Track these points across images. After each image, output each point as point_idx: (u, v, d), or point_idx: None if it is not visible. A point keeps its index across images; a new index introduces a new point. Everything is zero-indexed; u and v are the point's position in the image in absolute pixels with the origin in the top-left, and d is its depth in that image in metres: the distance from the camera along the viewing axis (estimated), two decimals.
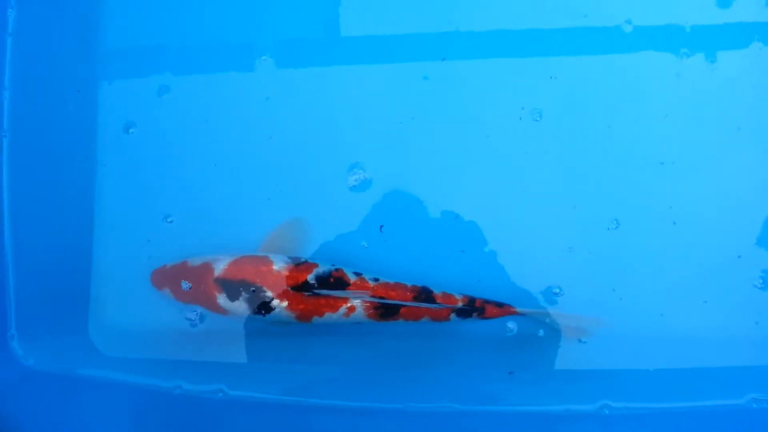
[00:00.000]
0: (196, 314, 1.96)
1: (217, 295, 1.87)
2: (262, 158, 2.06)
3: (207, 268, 1.90)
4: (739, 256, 1.94)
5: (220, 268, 1.88)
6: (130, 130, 2.10)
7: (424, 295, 1.90)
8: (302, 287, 1.85)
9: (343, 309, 1.86)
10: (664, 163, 1.98)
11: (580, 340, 1.92)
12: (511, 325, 1.95)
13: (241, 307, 1.87)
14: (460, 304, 1.90)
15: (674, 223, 1.97)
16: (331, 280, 1.87)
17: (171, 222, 2.07)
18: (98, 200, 2.09)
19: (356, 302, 1.86)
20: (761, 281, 1.92)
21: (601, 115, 2.00)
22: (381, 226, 2.00)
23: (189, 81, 2.10)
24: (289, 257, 1.92)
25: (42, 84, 2.12)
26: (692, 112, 1.98)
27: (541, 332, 1.94)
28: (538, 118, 2.01)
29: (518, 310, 1.92)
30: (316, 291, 1.85)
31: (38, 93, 2.12)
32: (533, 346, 1.93)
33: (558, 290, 1.95)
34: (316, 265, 1.89)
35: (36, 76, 2.12)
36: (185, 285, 1.90)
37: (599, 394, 1.85)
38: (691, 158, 1.97)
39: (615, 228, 1.97)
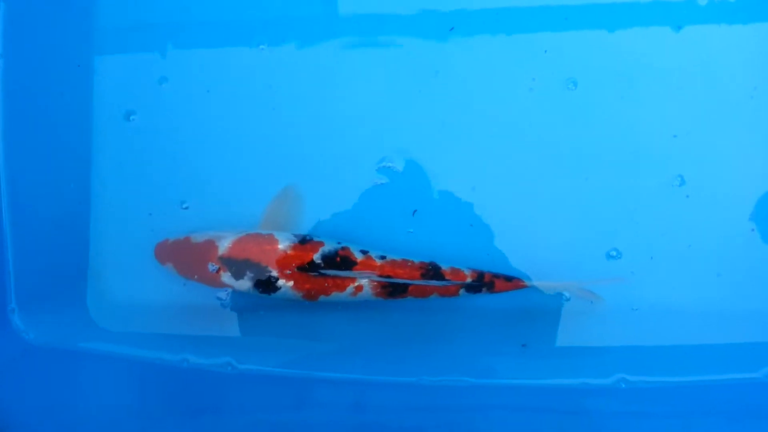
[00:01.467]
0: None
1: (222, 273, 1.83)
2: (262, 132, 2.02)
3: (211, 245, 1.86)
4: (753, 229, 1.89)
5: (224, 246, 1.84)
6: (131, 117, 2.05)
7: (432, 271, 1.86)
8: (308, 267, 1.81)
9: (350, 288, 1.83)
10: (677, 136, 1.92)
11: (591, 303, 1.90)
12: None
13: (245, 285, 1.84)
14: (469, 280, 1.87)
15: (687, 197, 1.92)
16: (338, 259, 1.83)
17: (172, 196, 2.03)
18: (97, 173, 2.05)
19: (364, 281, 1.82)
20: None
21: (614, 88, 1.95)
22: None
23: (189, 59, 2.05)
24: (294, 234, 1.88)
25: (39, 61, 2.06)
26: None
27: (554, 304, 1.92)
28: (570, 87, 1.94)
29: (528, 283, 1.89)
30: (323, 271, 1.80)
31: (34, 68, 2.06)
32: (546, 318, 1.91)
33: (571, 262, 1.92)
34: (322, 244, 1.85)
35: (32, 54, 2.06)
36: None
37: (616, 367, 1.83)
38: (705, 129, 1.92)
39: (628, 202, 1.92)
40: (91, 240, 2.04)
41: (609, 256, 1.93)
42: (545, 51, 1.96)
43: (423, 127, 1.98)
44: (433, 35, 1.98)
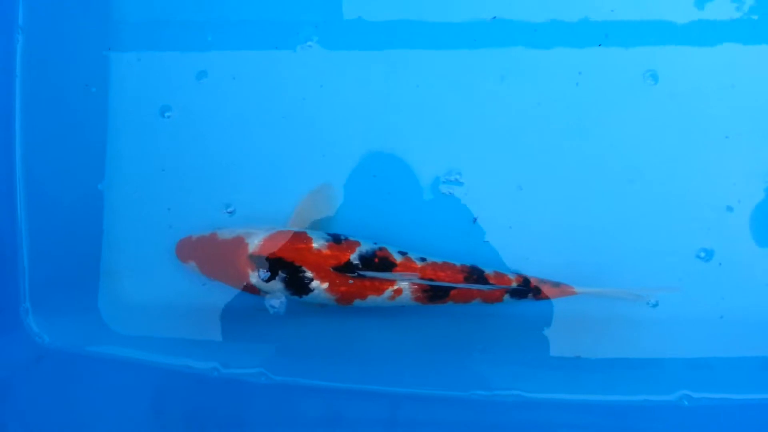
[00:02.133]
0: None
1: (250, 273, 1.71)
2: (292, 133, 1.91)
3: (240, 242, 1.74)
4: None
5: (255, 243, 1.72)
6: (167, 113, 1.94)
7: (476, 275, 1.75)
8: (345, 268, 1.69)
9: (388, 292, 1.71)
10: (729, 137, 1.81)
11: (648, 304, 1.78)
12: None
13: (276, 287, 1.71)
14: (514, 284, 1.75)
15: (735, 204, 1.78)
16: (376, 260, 1.71)
17: (193, 191, 1.92)
18: (113, 168, 1.93)
19: (403, 284, 1.70)
20: None
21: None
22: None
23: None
24: (328, 234, 1.76)
25: (62, 51, 1.96)
26: None
27: (608, 312, 1.80)
28: (652, 82, 1.83)
29: (577, 289, 1.77)
30: (361, 273, 1.68)
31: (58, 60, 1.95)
32: (601, 327, 1.79)
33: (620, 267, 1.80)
34: (358, 244, 1.73)
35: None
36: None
37: (678, 382, 1.71)
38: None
39: (686, 208, 1.82)
40: (110, 237, 1.93)
41: (666, 262, 1.82)
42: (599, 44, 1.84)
43: (464, 129, 1.88)
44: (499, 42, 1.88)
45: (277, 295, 1.73)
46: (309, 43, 1.91)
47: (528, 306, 1.81)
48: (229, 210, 1.90)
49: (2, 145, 1.91)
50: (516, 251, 1.84)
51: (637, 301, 1.80)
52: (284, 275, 1.70)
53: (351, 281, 1.69)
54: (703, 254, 1.82)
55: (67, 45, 1.95)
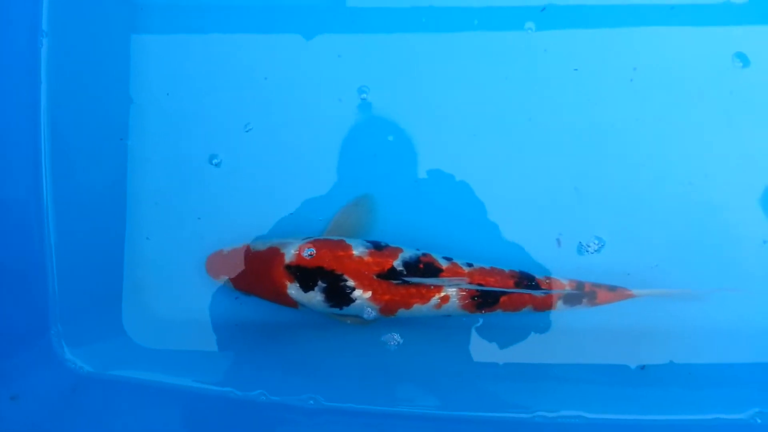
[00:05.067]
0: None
1: (288, 284, 1.62)
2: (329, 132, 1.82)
3: (275, 253, 1.65)
4: None
5: (291, 253, 1.63)
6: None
7: (526, 281, 1.64)
8: (389, 275, 1.59)
9: (435, 299, 1.61)
10: None
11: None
12: None
13: (315, 298, 1.62)
14: (567, 289, 1.64)
15: None
16: (421, 266, 1.61)
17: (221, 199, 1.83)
18: (138, 177, 1.84)
19: (451, 291, 1.60)
20: None
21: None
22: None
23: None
24: (368, 241, 1.66)
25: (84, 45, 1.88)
26: None
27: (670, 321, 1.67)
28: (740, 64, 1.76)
29: (635, 292, 1.66)
30: (406, 279, 1.58)
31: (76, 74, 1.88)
32: (665, 338, 1.66)
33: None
34: (401, 250, 1.64)
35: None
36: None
37: (751, 399, 1.59)
38: None
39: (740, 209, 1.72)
40: (142, 252, 1.83)
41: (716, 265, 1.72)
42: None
43: (509, 125, 1.80)
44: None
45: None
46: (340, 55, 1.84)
47: (582, 314, 1.69)
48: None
49: (30, 155, 1.83)
50: (567, 257, 1.73)
51: (699, 302, 1.68)
52: (324, 285, 1.60)
53: (394, 287, 1.59)
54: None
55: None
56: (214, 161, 1.83)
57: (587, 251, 1.74)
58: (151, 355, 1.80)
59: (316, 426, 1.63)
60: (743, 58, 1.77)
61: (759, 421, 1.58)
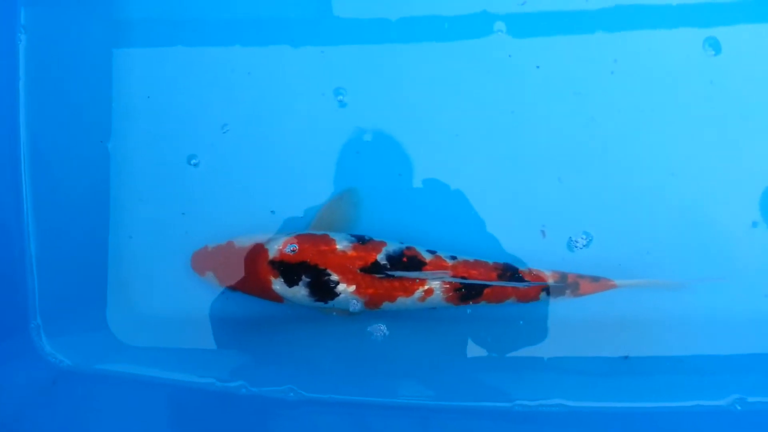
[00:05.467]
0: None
1: (273, 279, 1.62)
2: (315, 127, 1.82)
3: (259, 249, 1.65)
4: None
5: (275, 249, 1.63)
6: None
7: (510, 272, 1.65)
8: (372, 268, 1.59)
9: (419, 292, 1.61)
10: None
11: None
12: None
13: (300, 293, 1.62)
14: (550, 281, 1.66)
15: None
16: (404, 259, 1.61)
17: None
18: (125, 174, 1.84)
19: (435, 284, 1.61)
20: None
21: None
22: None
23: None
24: (352, 235, 1.67)
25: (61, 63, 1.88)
26: None
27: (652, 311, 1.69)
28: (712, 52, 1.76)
29: (618, 282, 1.67)
30: (390, 272, 1.59)
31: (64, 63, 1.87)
32: (648, 328, 1.67)
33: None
34: (384, 244, 1.64)
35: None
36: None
37: (731, 386, 1.60)
38: None
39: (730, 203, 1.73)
40: (124, 247, 1.83)
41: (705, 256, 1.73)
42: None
43: (492, 118, 1.80)
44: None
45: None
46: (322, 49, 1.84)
47: (566, 305, 1.70)
48: (271, 211, 1.80)
49: (8, 151, 1.83)
50: (551, 249, 1.74)
51: (681, 292, 1.69)
52: (308, 280, 1.61)
53: (377, 281, 1.59)
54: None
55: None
56: (193, 161, 1.83)
57: (576, 246, 1.74)
58: (134, 351, 1.80)
59: (299, 417, 1.63)
60: (714, 44, 1.77)
61: (739, 407, 1.59)
